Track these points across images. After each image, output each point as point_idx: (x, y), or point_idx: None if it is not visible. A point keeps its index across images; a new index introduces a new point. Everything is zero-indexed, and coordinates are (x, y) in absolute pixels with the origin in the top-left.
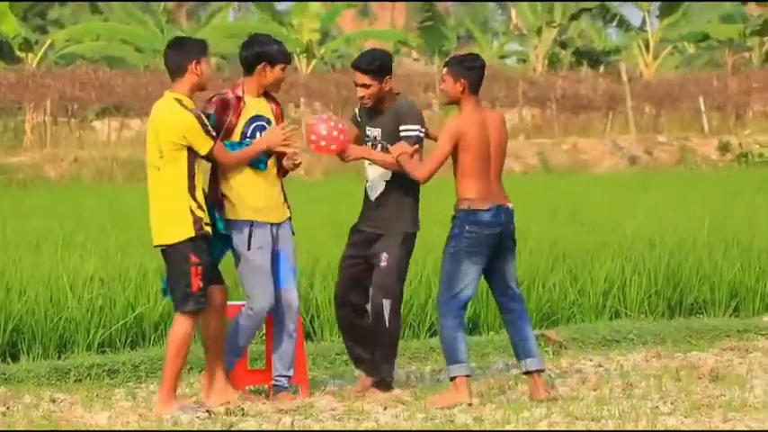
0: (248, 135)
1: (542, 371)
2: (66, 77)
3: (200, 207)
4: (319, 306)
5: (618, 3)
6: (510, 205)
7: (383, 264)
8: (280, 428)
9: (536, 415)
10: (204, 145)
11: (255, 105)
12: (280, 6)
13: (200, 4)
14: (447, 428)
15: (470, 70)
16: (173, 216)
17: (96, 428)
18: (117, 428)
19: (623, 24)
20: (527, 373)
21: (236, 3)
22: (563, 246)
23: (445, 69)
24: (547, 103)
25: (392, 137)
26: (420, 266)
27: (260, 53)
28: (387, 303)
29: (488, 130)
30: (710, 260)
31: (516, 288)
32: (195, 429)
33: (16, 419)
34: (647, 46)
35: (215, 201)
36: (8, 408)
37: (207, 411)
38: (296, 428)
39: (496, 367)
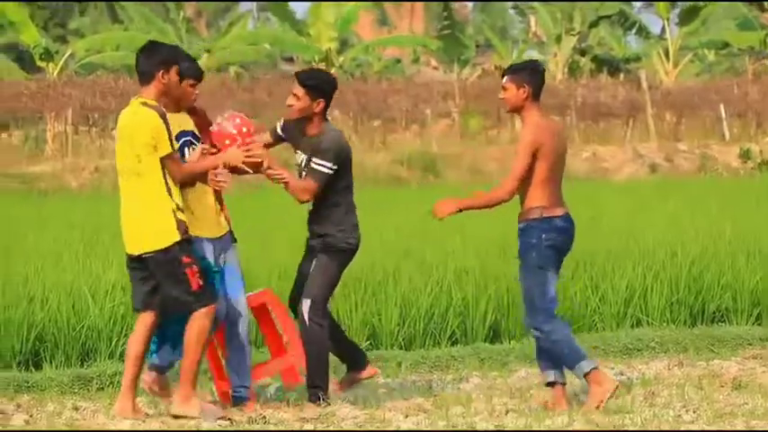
0: (180, 152)
1: (565, 383)
2: (86, 87)
3: (179, 209)
4: (341, 315)
5: (637, 10)
6: (570, 214)
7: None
8: None
9: (558, 423)
10: (165, 147)
11: (180, 122)
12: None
13: (219, 13)
14: None
15: (534, 76)
16: (157, 221)
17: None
18: None
19: (643, 32)
20: (551, 384)
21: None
22: (584, 253)
23: (506, 77)
24: (567, 111)
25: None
26: (441, 274)
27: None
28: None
29: (557, 136)
30: (733, 268)
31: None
32: None
33: (39, 427)
34: (666, 53)
35: None
36: (31, 416)
37: (228, 419)
38: None
39: (518, 375)
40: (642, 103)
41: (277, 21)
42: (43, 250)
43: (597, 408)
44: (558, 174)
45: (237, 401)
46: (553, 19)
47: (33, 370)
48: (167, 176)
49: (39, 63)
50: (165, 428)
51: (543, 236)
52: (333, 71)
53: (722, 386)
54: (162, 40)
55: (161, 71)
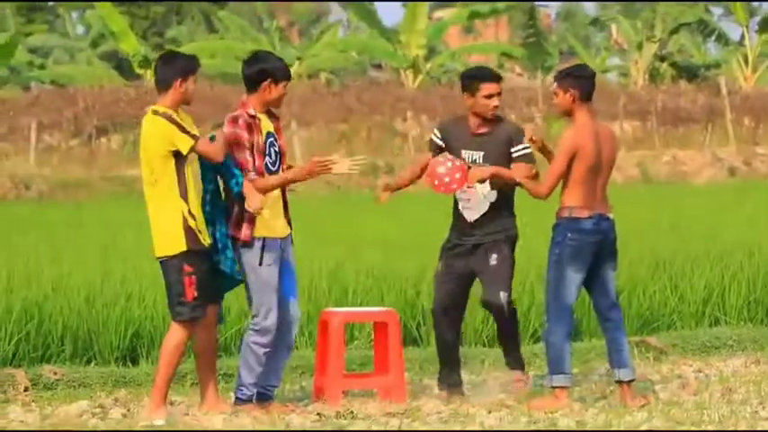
0: (266, 153)
1: (633, 381)
2: None
3: (192, 215)
4: (426, 313)
5: (717, 18)
6: (611, 216)
7: (494, 262)
8: (388, 429)
9: (637, 419)
10: (183, 142)
11: (266, 123)
12: (388, 23)
13: (311, 22)
14: None
15: (579, 80)
16: (167, 229)
17: (212, 429)
18: (231, 429)
19: (722, 39)
20: (618, 382)
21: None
22: (663, 254)
23: (555, 84)
24: (647, 116)
25: (498, 160)
26: (524, 274)
27: (264, 70)
28: (504, 296)
29: (601, 142)
30: None
31: (615, 299)
32: (307, 430)
33: (136, 421)
34: (745, 60)
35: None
36: (128, 410)
37: (318, 414)
38: (403, 430)
39: (598, 373)
40: (721, 108)
41: (367, 28)
42: (141, 250)
43: (536, 410)
44: (599, 177)
45: (263, 398)
46: (634, 27)
47: (130, 365)
48: (184, 183)
49: (137, 70)
50: (257, 424)
51: (568, 235)
52: (420, 78)
53: None
54: (257, 49)
55: (179, 80)
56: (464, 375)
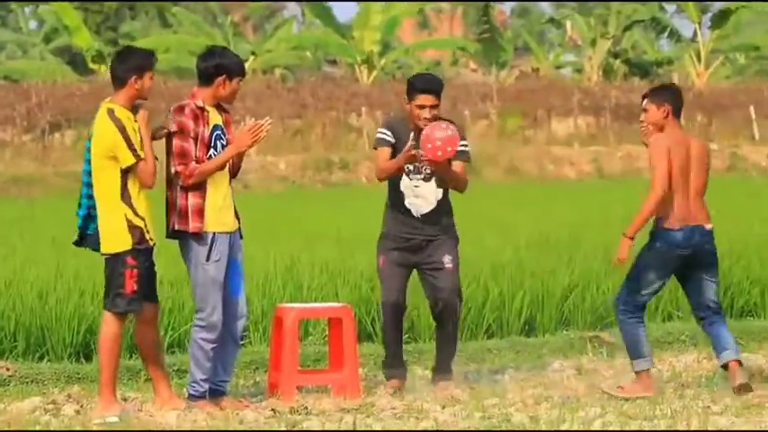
0: (212, 145)
1: (739, 361)
2: None
3: (136, 215)
4: (380, 309)
5: (670, 15)
6: (708, 226)
7: (448, 265)
8: (342, 428)
9: (591, 414)
10: (125, 158)
11: (214, 116)
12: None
13: (265, 17)
14: (504, 428)
15: (672, 96)
16: (112, 228)
17: (166, 428)
18: (186, 427)
19: (675, 36)
20: (724, 366)
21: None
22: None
23: (646, 100)
24: (601, 112)
25: None
26: (478, 270)
27: (220, 65)
28: (460, 305)
29: (690, 150)
30: (761, 264)
31: (715, 304)
32: (260, 429)
33: (89, 417)
34: (698, 56)
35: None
36: (81, 406)
37: (272, 410)
38: (358, 428)
39: (551, 368)
40: None
41: (321, 24)
42: None
43: (619, 395)
44: (689, 185)
45: (216, 394)
46: (588, 23)
47: (84, 362)
48: (127, 187)
49: (91, 65)
50: (210, 420)
51: (658, 243)
52: (374, 73)
53: (750, 378)
54: (210, 44)
55: (134, 77)
56: (418, 370)
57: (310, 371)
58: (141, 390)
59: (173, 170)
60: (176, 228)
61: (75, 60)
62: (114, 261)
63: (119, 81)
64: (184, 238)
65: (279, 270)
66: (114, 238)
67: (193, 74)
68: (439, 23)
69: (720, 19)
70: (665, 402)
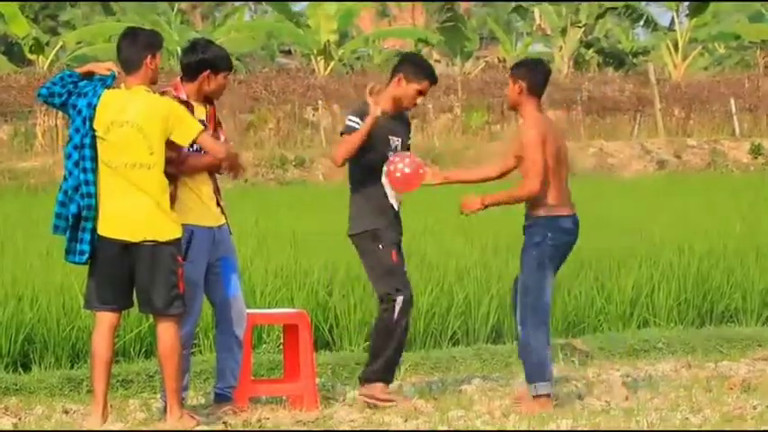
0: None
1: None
2: None
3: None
4: (338, 315)
5: (645, 2)
6: (576, 213)
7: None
8: None
9: (562, 426)
10: (190, 129)
11: (199, 110)
12: (296, 6)
13: (215, 5)
14: None
15: (530, 72)
16: (166, 212)
17: None
18: None
19: (651, 24)
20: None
21: (252, 3)
22: (589, 252)
23: (509, 74)
24: (572, 106)
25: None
26: (441, 274)
27: (204, 60)
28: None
29: (555, 133)
30: (742, 267)
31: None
32: None
33: (28, 427)
34: (675, 46)
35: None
36: (20, 419)
37: (223, 423)
38: None
39: (521, 377)
40: (650, 98)
41: (274, 12)
42: (32, 248)
43: (523, 412)
44: (563, 171)
45: (222, 400)
46: (558, 11)
47: (22, 372)
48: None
49: (29, 55)
50: (155, 429)
51: (549, 234)
52: (331, 64)
53: (731, 388)
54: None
55: (149, 57)
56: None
57: (264, 380)
58: (84, 401)
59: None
60: None
61: (12, 50)
62: (165, 253)
63: (133, 64)
64: None
65: None
66: (169, 223)
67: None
68: (399, 11)
69: (699, 6)
70: (641, 414)
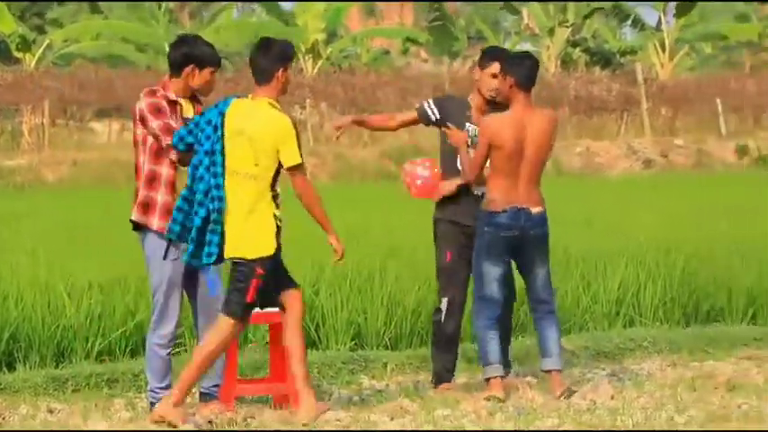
0: None
1: (559, 371)
2: (64, 78)
3: (279, 219)
4: (325, 314)
5: (632, 3)
6: (535, 210)
7: None
8: None
9: (547, 425)
10: (292, 157)
11: (187, 108)
12: (285, 5)
13: (203, 3)
14: None
15: (517, 66)
16: (261, 229)
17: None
18: None
19: (638, 24)
20: (545, 371)
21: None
22: (575, 251)
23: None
24: (559, 105)
25: None
26: (429, 272)
27: (188, 54)
28: None
29: (527, 130)
30: (728, 267)
31: (544, 293)
32: None
33: (12, 427)
34: (662, 46)
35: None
36: (4, 418)
37: (209, 422)
38: None
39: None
40: (637, 97)
41: (262, 11)
42: (18, 247)
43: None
44: (520, 168)
45: (206, 398)
46: (545, 11)
47: (6, 371)
48: (275, 184)
49: (15, 53)
50: (140, 429)
51: (485, 228)
52: (319, 63)
53: (716, 388)
54: (144, 29)
55: (281, 70)
56: (365, 380)
57: (250, 380)
58: (68, 401)
59: (149, 153)
60: (137, 220)
61: None
62: (245, 267)
63: (264, 76)
64: (144, 232)
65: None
66: (260, 241)
67: (126, 62)
68: (387, 11)
69: (686, 7)
70: (626, 413)
